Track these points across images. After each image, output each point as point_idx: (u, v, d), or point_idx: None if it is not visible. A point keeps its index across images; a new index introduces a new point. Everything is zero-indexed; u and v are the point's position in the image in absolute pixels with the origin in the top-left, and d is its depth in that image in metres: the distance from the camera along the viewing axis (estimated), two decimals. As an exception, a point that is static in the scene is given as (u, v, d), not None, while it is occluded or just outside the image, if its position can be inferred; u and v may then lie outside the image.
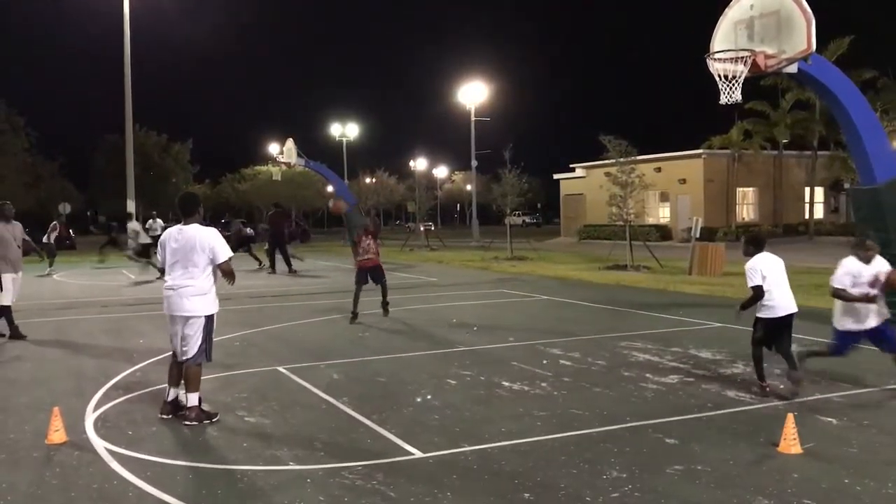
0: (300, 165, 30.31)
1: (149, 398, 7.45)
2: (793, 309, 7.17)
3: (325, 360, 9.22)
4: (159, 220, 39.63)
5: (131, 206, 37.66)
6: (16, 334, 11.06)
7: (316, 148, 47.00)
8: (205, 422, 6.49)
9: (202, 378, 6.79)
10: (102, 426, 6.49)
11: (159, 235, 31.82)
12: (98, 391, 7.73)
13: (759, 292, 7.05)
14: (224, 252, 6.57)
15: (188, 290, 6.53)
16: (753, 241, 7.48)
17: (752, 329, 7.37)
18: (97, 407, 7.12)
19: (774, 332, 7.13)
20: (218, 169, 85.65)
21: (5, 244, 10.90)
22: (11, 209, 11.13)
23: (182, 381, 6.62)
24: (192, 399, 6.59)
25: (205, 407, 6.68)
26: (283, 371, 8.63)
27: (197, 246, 6.47)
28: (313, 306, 14.83)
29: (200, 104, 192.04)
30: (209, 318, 6.67)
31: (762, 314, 7.17)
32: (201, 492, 4.96)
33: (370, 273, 12.50)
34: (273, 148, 52.10)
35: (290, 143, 29.38)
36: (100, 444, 5.95)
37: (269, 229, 24.65)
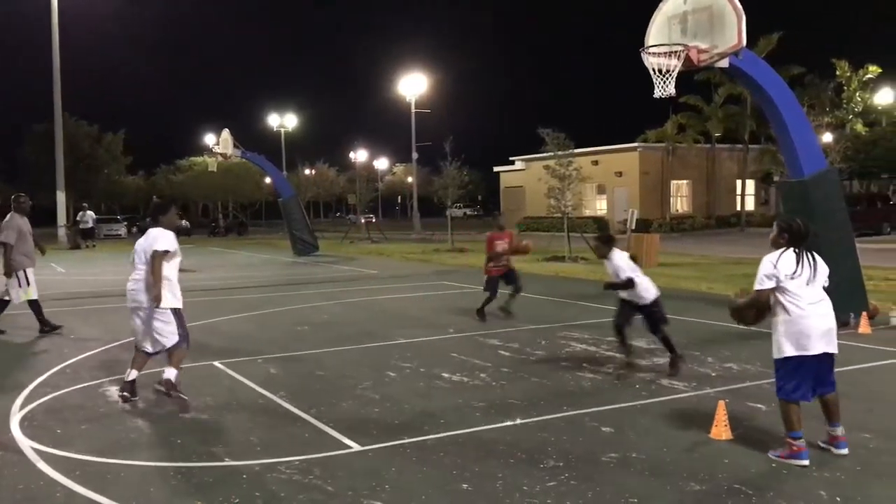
0: (237, 156, 29.79)
1: (79, 395, 7.25)
2: (656, 294, 7.91)
3: (262, 354, 9.11)
4: (90, 213, 38.62)
5: (61, 198, 36.61)
6: (49, 326, 10.80)
7: (254, 139, 46.29)
8: (175, 394, 6.83)
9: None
10: (29, 425, 6.28)
11: (91, 228, 31.10)
12: (25, 388, 7.48)
13: (631, 283, 7.66)
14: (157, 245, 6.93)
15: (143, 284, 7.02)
16: (607, 240, 8.01)
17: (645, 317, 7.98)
18: (24, 405, 6.89)
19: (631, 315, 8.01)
20: (152, 160, 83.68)
21: (24, 239, 10.59)
22: (29, 202, 10.92)
23: (142, 366, 7.12)
24: (170, 373, 6.98)
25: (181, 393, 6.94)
26: (219, 366, 8.49)
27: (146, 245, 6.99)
28: (250, 300, 14.63)
29: (134, 94, 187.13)
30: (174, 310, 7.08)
31: (637, 300, 7.82)
32: (133, 490, 4.84)
33: (505, 278, 11.74)
34: (209, 139, 51.18)
35: (225, 133, 28.84)
36: (26, 444, 5.77)
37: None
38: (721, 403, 5.82)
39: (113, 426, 6.23)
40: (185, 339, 7.16)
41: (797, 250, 5.24)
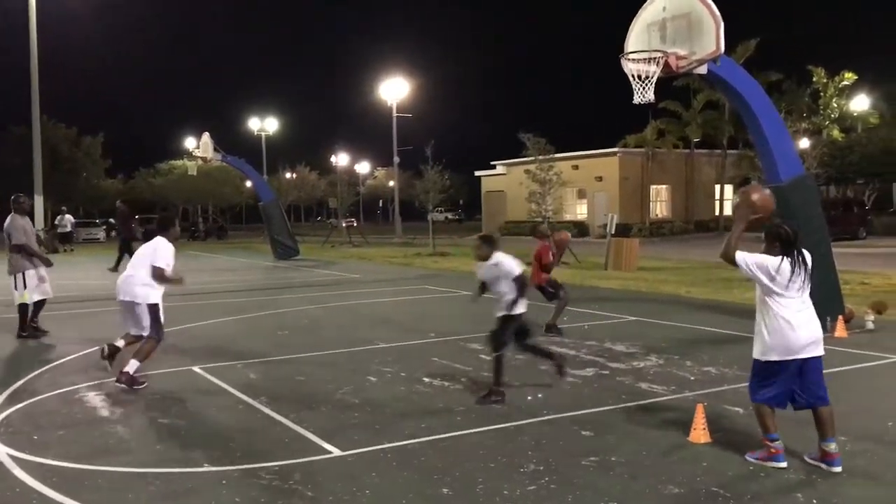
0: (217, 160, 29.65)
1: (56, 401, 7.18)
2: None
3: (243, 359, 9.07)
4: (69, 216, 38.27)
5: (39, 202, 36.17)
6: (29, 332, 10.67)
7: (234, 142, 46.08)
8: (134, 387, 7.37)
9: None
10: (5, 431, 6.22)
11: (69, 232, 30.81)
12: (1, 394, 7.40)
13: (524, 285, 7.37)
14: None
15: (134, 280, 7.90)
16: (489, 241, 7.55)
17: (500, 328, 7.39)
18: (0, 411, 6.81)
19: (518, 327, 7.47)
20: (132, 163, 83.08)
21: (28, 239, 10.50)
22: (29, 202, 10.90)
23: (130, 342, 7.93)
24: (131, 366, 7.54)
25: (137, 377, 7.55)
26: (199, 371, 8.44)
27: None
28: (230, 304, 14.56)
29: (113, 97, 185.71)
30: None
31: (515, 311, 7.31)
32: (110, 497, 4.81)
33: (555, 285, 10.98)
34: (189, 142, 50.88)
35: (206, 137, 28.70)
36: (1, 450, 5.70)
37: (118, 226, 23.62)
38: (700, 407, 5.86)
39: (90, 432, 6.18)
40: (158, 334, 7.93)
41: (792, 258, 5.16)
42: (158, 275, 7.82)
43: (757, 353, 5.30)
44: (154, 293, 7.91)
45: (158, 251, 7.89)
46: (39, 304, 10.76)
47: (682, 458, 5.38)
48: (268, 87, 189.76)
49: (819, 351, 5.23)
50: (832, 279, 10.68)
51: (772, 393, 5.20)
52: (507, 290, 7.20)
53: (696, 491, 4.77)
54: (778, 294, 5.15)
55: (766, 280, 5.15)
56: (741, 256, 5.23)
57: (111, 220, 38.38)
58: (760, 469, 5.12)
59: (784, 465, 5.12)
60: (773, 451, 5.16)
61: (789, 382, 5.19)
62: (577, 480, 4.98)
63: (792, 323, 5.11)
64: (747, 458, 5.29)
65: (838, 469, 5.06)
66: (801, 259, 5.20)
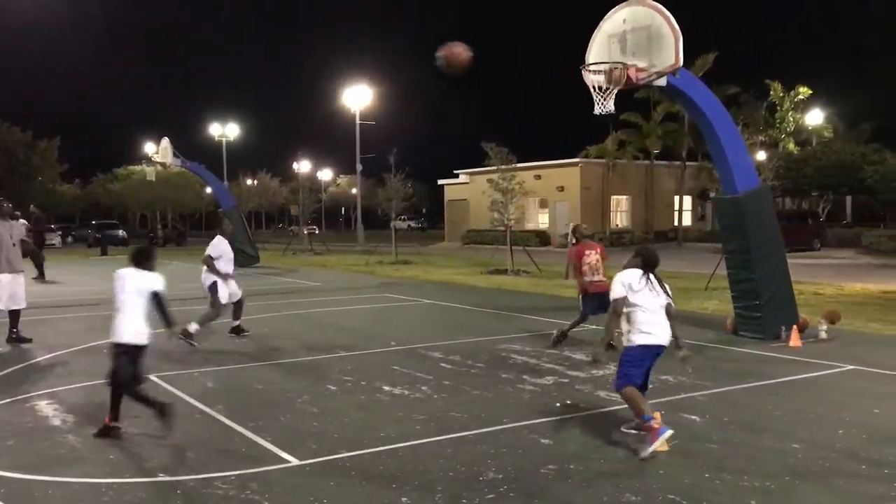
0: (176, 166, 29.27)
1: (6, 410, 7.01)
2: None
3: (200, 367, 8.94)
4: (23, 221, 37.49)
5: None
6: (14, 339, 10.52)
7: (194, 148, 45.56)
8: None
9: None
10: (-48, 441, 6.05)
11: (22, 239, 29.68)
12: (-52, 404, 7.20)
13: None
14: None
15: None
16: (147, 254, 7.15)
17: None
18: (-53, 421, 6.63)
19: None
20: (89, 168, 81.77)
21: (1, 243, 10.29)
22: (9, 207, 10.72)
23: None
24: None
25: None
26: (155, 379, 8.29)
27: None
28: (187, 312, 14.33)
29: (71, 100, 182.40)
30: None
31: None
32: (62, 508, 4.70)
33: (601, 300, 9.20)
34: (148, 147, 50.16)
35: (165, 142, 28.32)
36: (-51, 461, 5.54)
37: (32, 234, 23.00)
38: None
39: (41, 441, 6.05)
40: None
41: (645, 273, 5.98)
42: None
43: (626, 342, 6.13)
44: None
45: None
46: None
47: (640, 466, 5.42)
48: (229, 92, 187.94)
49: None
50: (787, 289, 10.89)
51: (638, 376, 5.99)
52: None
53: (653, 498, 4.81)
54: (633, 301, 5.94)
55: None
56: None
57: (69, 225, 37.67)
58: (716, 477, 5.18)
59: (670, 432, 5.62)
60: (656, 426, 5.64)
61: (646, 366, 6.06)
62: (535, 489, 4.99)
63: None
64: (643, 454, 5.55)
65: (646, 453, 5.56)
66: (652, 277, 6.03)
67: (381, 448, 5.83)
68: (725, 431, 6.22)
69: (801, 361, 9.08)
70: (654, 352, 5.98)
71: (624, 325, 6.01)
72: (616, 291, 6.00)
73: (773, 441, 5.99)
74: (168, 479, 5.21)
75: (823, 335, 10.59)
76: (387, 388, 7.84)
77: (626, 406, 7.07)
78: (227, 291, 10.75)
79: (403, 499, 4.83)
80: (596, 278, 9.85)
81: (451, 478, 5.19)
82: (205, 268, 10.77)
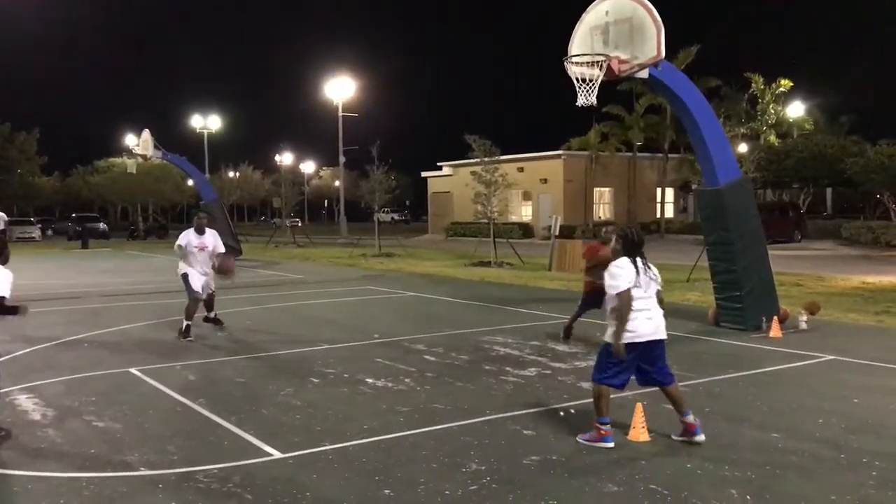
0: (157, 158, 29.05)
1: (-15, 405, 6.93)
2: None
3: (181, 360, 8.89)
4: (2, 214, 37.16)
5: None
6: None
7: (176, 140, 45.21)
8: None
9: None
10: (-70, 437, 5.98)
11: (2, 230, 29.91)
12: (-74, 399, 7.12)
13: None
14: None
15: None
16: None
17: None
18: (-76, 416, 6.55)
19: None
20: (68, 161, 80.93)
21: None
22: None
23: None
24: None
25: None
26: (136, 372, 8.25)
27: None
28: (169, 305, 14.25)
29: (50, 92, 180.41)
30: None
31: None
32: (41, 502, 4.66)
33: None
34: (129, 139, 49.74)
35: (146, 134, 28.09)
36: (-74, 456, 5.48)
37: None
38: (639, 406, 5.96)
39: (20, 436, 5.99)
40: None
41: (633, 259, 5.66)
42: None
43: (606, 337, 5.86)
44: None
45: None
46: None
47: (622, 457, 5.45)
48: (211, 84, 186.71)
49: (661, 335, 5.78)
50: (768, 280, 10.97)
51: (618, 376, 5.77)
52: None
53: (635, 489, 4.84)
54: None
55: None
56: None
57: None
58: (698, 467, 5.22)
59: (612, 445, 5.57)
60: (603, 432, 5.63)
61: (634, 364, 5.76)
62: (517, 479, 5.00)
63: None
64: (578, 440, 5.70)
65: (702, 437, 5.62)
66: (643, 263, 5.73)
67: (365, 440, 5.83)
68: (706, 422, 6.25)
69: (782, 352, 9.16)
70: (638, 349, 5.64)
71: (609, 320, 5.72)
72: (623, 282, 5.55)
73: (753, 431, 6.04)
74: (149, 472, 5.18)
75: (804, 326, 10.69)
76: (370, 380, 7.83)
77: (613, 396, 7.12)
78: (200, 281, 10.65)
79: (386, 491, 4.83)
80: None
81: (433, 470, 5.20)
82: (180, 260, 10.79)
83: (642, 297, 5.63)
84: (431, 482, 4.96)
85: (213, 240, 10.76)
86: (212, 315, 11.09)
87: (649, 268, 5.75)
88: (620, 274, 5.61)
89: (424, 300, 15.02)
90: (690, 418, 5.72)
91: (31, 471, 5.22)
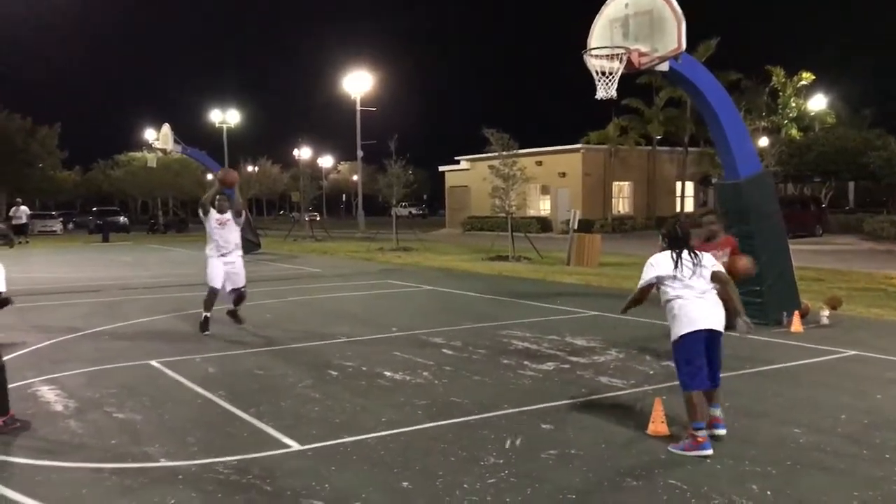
0: (177, 152, 29.22)
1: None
2: None
3: (201, 353, 8.94)
4: (24, 208, 37.48)
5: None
6: None
7: (195, 134, 45.46)
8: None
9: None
10: (-46, 427, 6.05)
11: (24, 224, 30.26)
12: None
13: None
14: None
15: None
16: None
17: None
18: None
19: None
20: (89, 155, 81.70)
21: None
22: None
23: None
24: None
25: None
26: (156, 365, 8.31)
27: None
28: (188, 298, 14.34)
29: (71, 87, 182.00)
30: None
31: None
32: (64, 493, 4.71)
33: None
34: (149, 133, 50.04)
35: (165, 128, 28.25)
36: (-50, 446, 5.56)
37: None
38: (658, 400, 5.92)
39: (43, 427, 6.05)
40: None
41: (673, 252, 5.62)
42: None
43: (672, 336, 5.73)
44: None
45: None
46: None
47: (641, 451, 5.42)
48: (230, 78, 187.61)
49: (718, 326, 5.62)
50: (789, 275, 10.87)
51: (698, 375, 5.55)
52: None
53: (654, 484, 4.81)
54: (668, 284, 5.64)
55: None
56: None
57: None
58: (717, 462, 5.18)
59: (710, 452, 5.26)
60: (700, 439, 5.30)
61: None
62: (536, 473, 4.99)
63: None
64: (671, 449, 5.37)
65: (722, 431, 5.58)
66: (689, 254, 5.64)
67: (383, 433, 5.84)
68: (726, 417, 6.19)
69: (803, 347, 9.08)
70: (701, 338, 5.47)
71: (669, 318, 5.64)
72: (644, 278, 5.65)
73: (773, 426, 5.99)
74: (169, 464, 5.22)
75: (825, 321, 10.58)
76: (388, 373, 7.84)
77: (626, 391, 7.10)
78: (221, 271, 10.35)
79: (405, 483, 4.83)
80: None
81: (451, 463, 5.20)
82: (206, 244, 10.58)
83: (686, 287, 5.52)
84: (450, 475, 4.96)
85: (231, 215, 10.35)
86: (236, 309, 10.68)
87: (695, 255, 5.61)
88: (648, 269, 5.69)
89: (442, 294, 15.02)
90: (717, 412, 5.64)
91: (53, 461, 5.28)
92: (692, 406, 5.36)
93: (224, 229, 10.36)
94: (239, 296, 10.60)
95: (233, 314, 10.66)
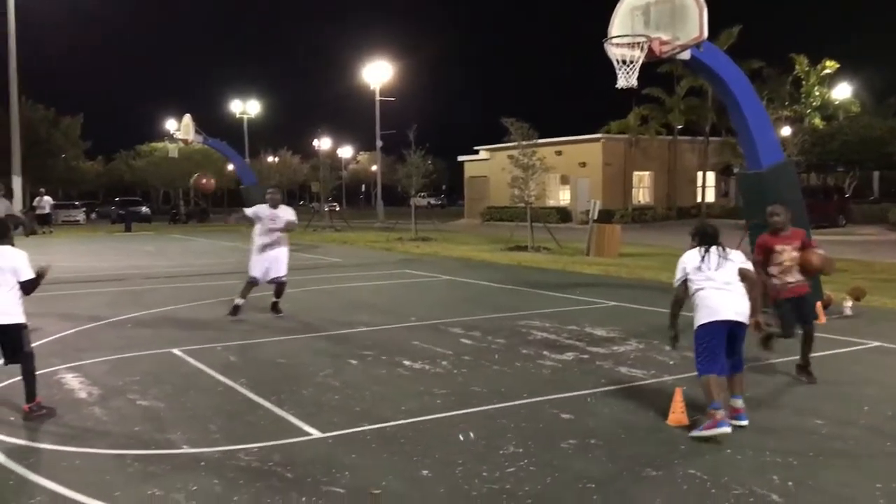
0: (198, 142, 29.40)
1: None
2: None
3: (222, 342, 9.02)
4: (47, 198, 37.87)
5: (17, 183, 35.90)
6: None
7: (216, 125, 45.70)
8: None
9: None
10: (-19, 413, 6.16)
11: (48, 213, 30.51)
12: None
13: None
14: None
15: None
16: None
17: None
18: (-25, 393, 6.75)
19: None
20: (112, 145, 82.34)
21: None
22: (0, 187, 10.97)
23: None
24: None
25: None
26: (178, 353, 8.39)
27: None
28: (210, 287, 14.47)
29: (93, 78, 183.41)
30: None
31: None
32: (88, 478, 4.78)
33: (797, 306, 7.13)
34: (170, 124, 50.37)
35: (187, 118, 28.44)
36: (-23, 432, 5.65)
37: None
38: (678, 390, 5.90)
39: (68, 414, 6.13)
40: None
41: (702, 248, 5.82)
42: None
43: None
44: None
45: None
46: None
47: (660, 441, 5.42)
48: (250, 69, 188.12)
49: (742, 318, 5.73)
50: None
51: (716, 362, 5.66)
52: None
53: (674, 474, 4.81)
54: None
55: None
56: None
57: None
58: (738, 453, 5.16)
59: (729, 430, 5.36)
60: (719, 417, 5.39)
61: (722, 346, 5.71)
62: (555, 462, 5.00)
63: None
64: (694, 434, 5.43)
65: (745, 423, 5.65)
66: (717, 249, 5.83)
67: (402, 421, 5.86)
68: (747, 408, 6.17)
69: (826, 338, 8.99)
70: (721, 329, 5.58)
71: (693, 308, 5.77)
72: (676, 276, 5.92)
73: (795, 417, 5.96)
74: (192, 450, 5.28)
75: (848, 312, 10.49)
76: (407, 362, 7.87)
77: (646, 381, 7.08)
78: (262, 265, 10.61)
79: (424, 471, 4.86)
80: (790, 280, 7.06)
81: (471, 451, 5.21)
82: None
83: (711, 279, 5.67)
84: (469, 463, 4.97)
85: (285, 214, 10.70)
86: (276, 300, 10.91)
87: (724, 251, 5.80)
88: (679, 266, 5.91)
89: (461, 284, 15.03)
90: (739, 402, 5.72)
91: (78, 447, 5.35)
92: (708, 389, 5.48)
93: (273, 226, 10.64)
94: (279, 287, 10.85)
95: (274, 307, 10.92)
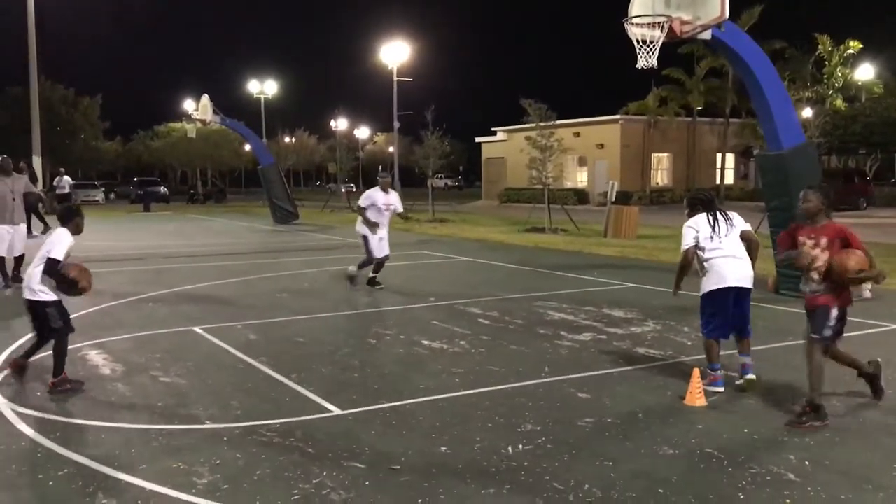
0: (216, 122, 29.51)
1: (58, 359, 7.22)
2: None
3: (242, 320, 9.11)
4: (67, 178, 38.15)
5: (37, 163, 36.17)
6: (15, 279, 11.49)
7: (233, 105, 45.78)
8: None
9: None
10: (8, 387, 6.28)
11: (67, 193, 30.71)
12: (3, 352, 7.46)
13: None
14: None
15: None
16: None
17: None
18: (2, 368, 6.88)
19: None
20: (130, 125, 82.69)
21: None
22: (9, 162, 11.59)
23: None
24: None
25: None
26: (199, 331, 8.49)
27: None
28: (229, 267, 14.59)
29: (112, 58, 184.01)
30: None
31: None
32: (115, 451, 4.87)
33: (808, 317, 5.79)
34: (188, 104, 50.54)
35: (205, 99, 28.53)
36: (5, 405, 5.77)
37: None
38: (696, 371, 5.93)
39: (93, 389, 6.24)
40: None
41: (709, 214, 6.17)
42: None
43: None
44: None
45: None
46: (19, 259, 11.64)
47: (678, 421, 5.45)
48: (268, 50, 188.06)
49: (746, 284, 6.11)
50: (831, 248, 10.69)
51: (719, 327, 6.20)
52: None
53: (691, 452, 4.84)
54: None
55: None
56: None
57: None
58: (754, 432, 5.19)
59: (721, 389, 5.99)
60: (713, 377, 6.04)
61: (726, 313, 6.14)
62: (572, 441, 5.04)
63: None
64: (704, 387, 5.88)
65: (752, 376, 6.07)
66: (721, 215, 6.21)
67: (421, 399, 5.93)
68: (764, 387, 6.20)
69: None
70: (727, 294, 6.01)
71: (701, 274, 6.19)
72: (686, 240, 6.16)
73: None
74: (214, 426, 5.36)
75: (868, 294, 10.43)
76: (425, 342, 7.93)
77: (663, 362, 7.10)
78: (379, 245, 11.28)
79: (443, 448, 4.92)
80: (805, 287, 5.71)
81: (489, 429, 5.27)
82: (359, 218, 11.46)
83: (720, 248, 6.02)
84: (487, 441, 5.03)
85: (396, 199, 11.42)
86: (375, 276, 11.57)
87: (726, 215, 6.19)
88: (686, 232, 6.20)
89: (478, 265, 15.07)
90: (747, 359, 6.14)
91: (103, 421, 5.45)
92: (709, 350, 6.12)
93: (388, 213, 11.42)
94: (380, 262, 11.55)
95: (372, 281, 11.58)
